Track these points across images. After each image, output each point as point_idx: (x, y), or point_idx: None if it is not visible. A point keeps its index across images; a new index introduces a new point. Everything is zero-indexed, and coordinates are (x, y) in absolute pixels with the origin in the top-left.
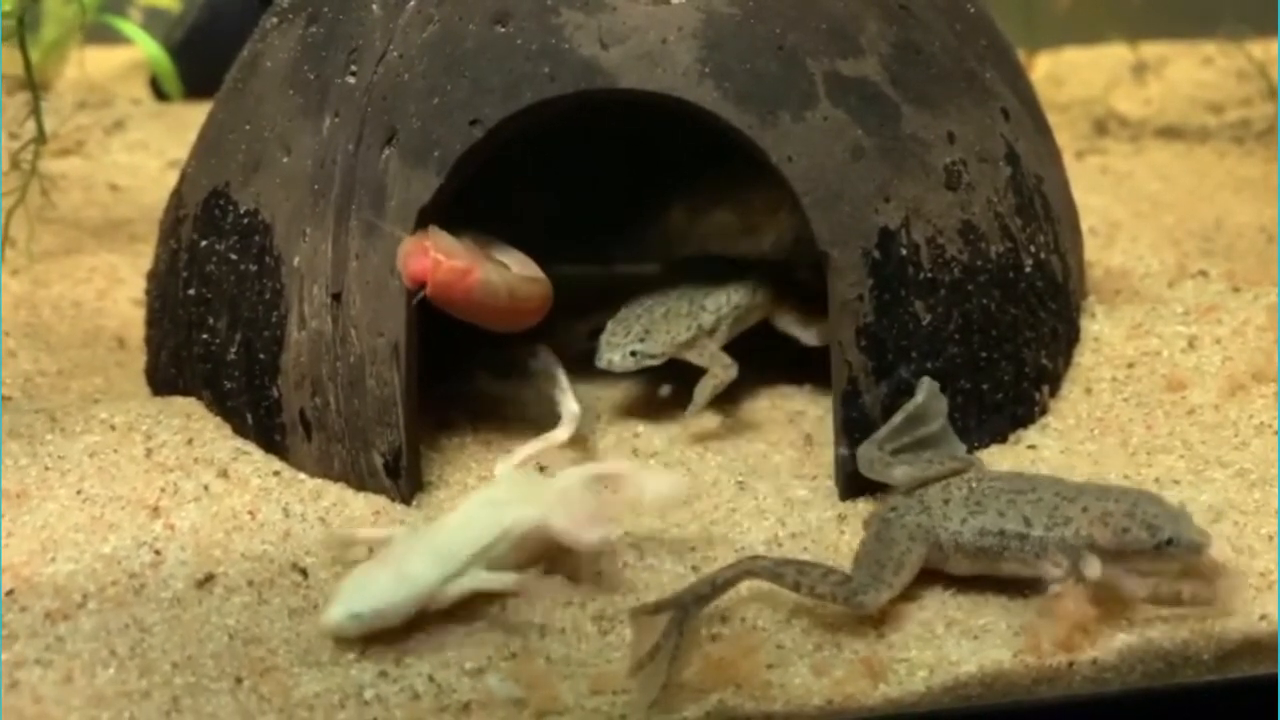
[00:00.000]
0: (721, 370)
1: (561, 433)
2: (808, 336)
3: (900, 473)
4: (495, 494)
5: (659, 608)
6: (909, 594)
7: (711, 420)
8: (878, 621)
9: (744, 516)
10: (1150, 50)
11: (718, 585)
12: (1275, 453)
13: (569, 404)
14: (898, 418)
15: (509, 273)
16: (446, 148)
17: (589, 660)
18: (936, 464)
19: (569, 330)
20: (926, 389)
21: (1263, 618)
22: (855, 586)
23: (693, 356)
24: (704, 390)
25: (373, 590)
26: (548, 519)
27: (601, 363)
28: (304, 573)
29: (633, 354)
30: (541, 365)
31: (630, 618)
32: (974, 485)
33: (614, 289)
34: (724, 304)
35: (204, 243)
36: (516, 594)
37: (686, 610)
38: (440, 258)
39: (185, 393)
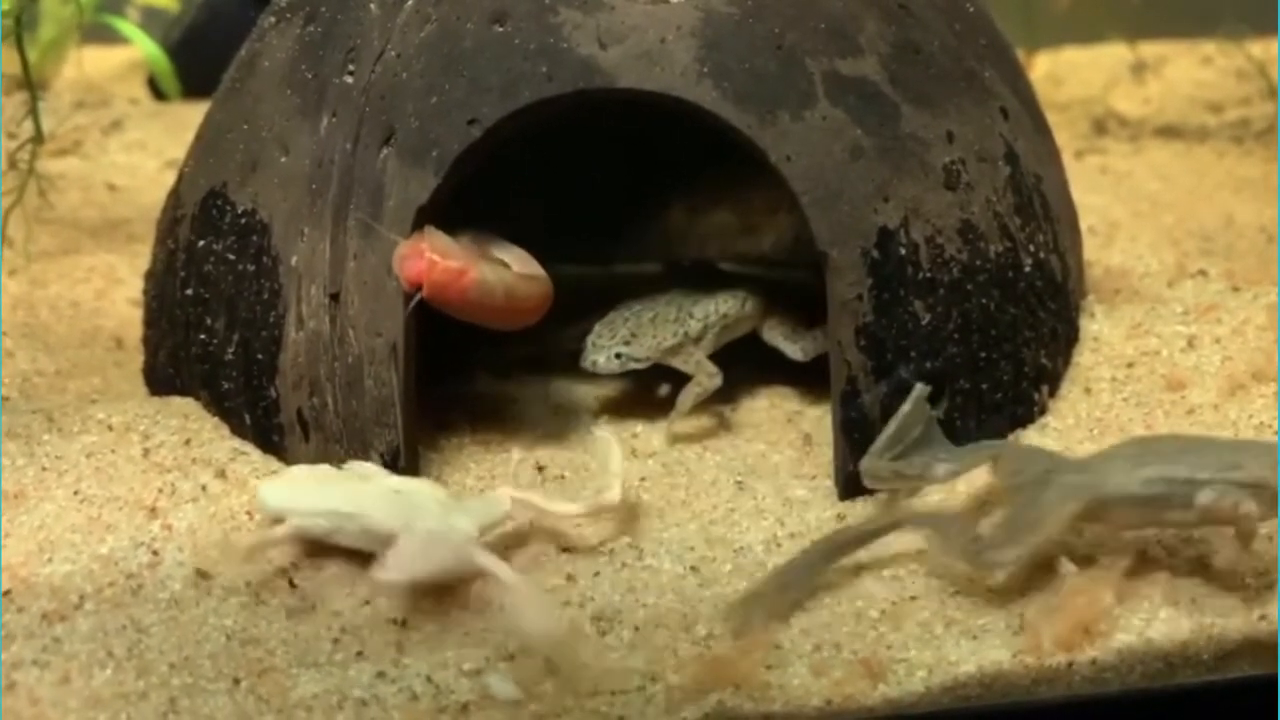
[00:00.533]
0: (706, 379)
1: (583, 509)
2: (793, 351)
3: (943, 470)
4: (419, 492)
5: (818, 551)
6: (908, 594)
7: (710, 420)
8: (875, 621)
9: (743, 516)
10: (1149, 50)
11: (861, 536)
12: None
13: (613, 491)
14: (890, 428)
15: (505, 272)
16: (444, 147)
17: (588, 660)
18: (979, 453)
19: (555, 336)
20: (913, 397)
21: (1262, 618)
22: (985, 546)
23: (678, 363)
24: (687, 397)
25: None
26: (394, 531)
27: (586, 363)
28: (291, 585)
29: (617, 356)
30: (602, 445)
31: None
32: (1138, 445)
33: (612, 289)
34: (712, 313)
35: (201, 243)
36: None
37: (825, 557)
38: (435, 258)
39: (183, 393)
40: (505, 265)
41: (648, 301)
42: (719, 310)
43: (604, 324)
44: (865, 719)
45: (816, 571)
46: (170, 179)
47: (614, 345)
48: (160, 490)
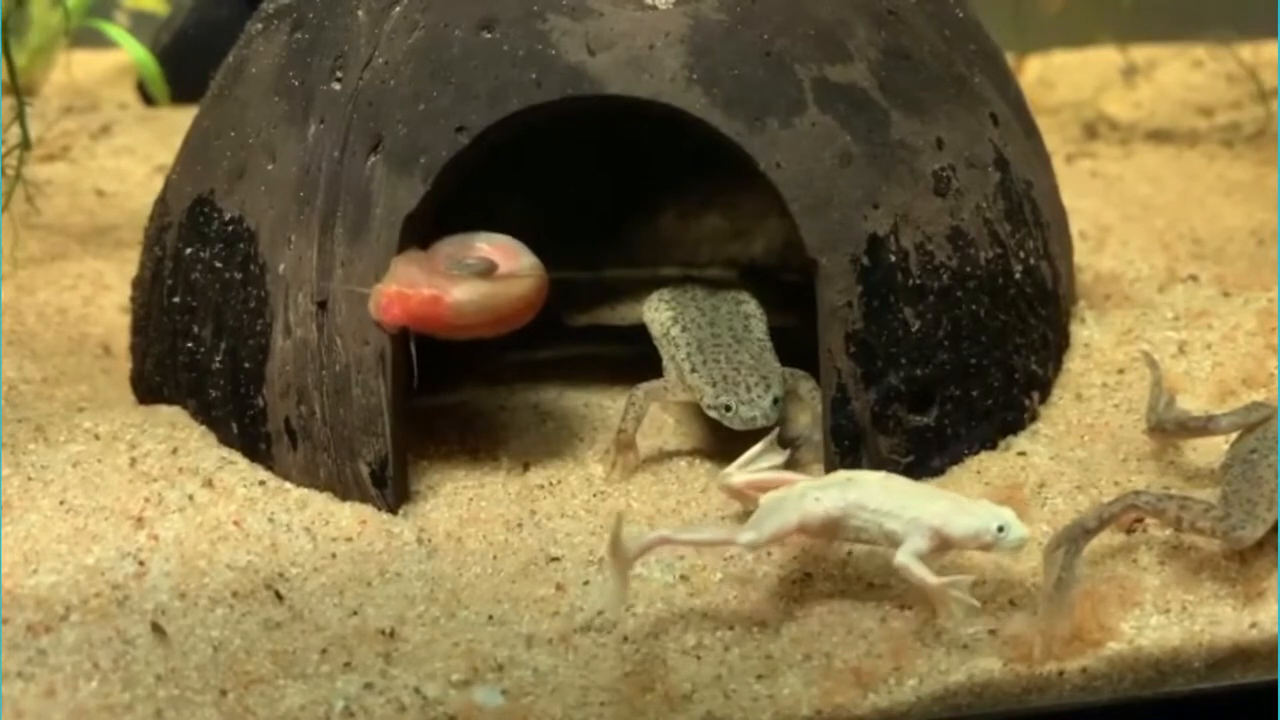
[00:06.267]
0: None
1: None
2: None
3: (1228, 421)
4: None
5: (1057, 544)
6: (899, 602)
7: (701, 428)
8: (866, 630)
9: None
10: (1140, 53)
11: (1103, 519)
12: None
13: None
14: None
15: (479, 286)
16: (432, 154)
17: (578, 671)
18: (1254, 412)
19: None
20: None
21: (1253, 625)
22: (1234, 522)
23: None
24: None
25: None
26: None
27: (760, 421)
28: (278, 596)
29: (775, 402)
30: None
31: (1044, 556)
32: None
33: (604, 295)
34: (756, 314)
35: (188, 250)
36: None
37: (1075, 543)
38: (407, 291)
39: (170, 401)
40: (491, 264)
41: (697, 343)
42: (762, 316)
43: (726, 382)
44: None
45: (1077, 562)
46: (159, 184)
47: (764, 392)
48: (147, 500)
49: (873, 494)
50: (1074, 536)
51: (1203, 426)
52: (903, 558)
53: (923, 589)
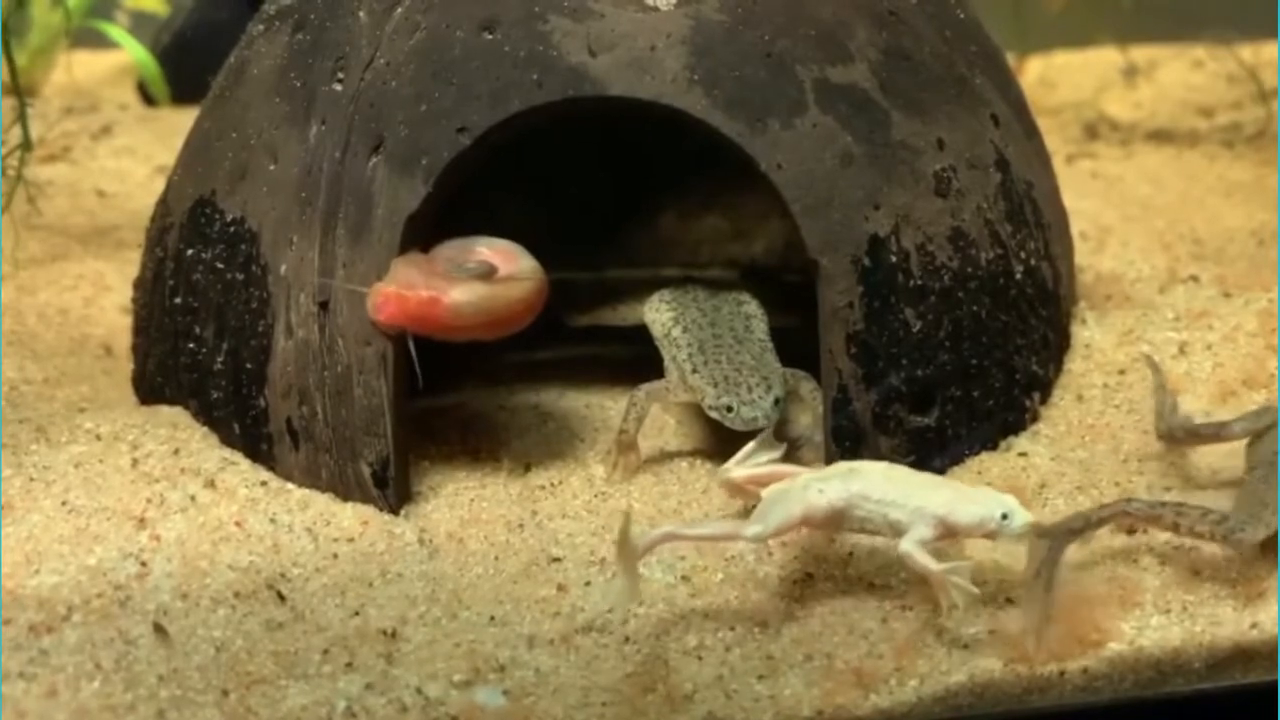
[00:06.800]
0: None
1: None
2: None
3: (1240, 427)
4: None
5: (1043, 532)
6: (900, 603)
7: (702, 429)
8: (867, 630)
9: None
10: (1140, 53)
11: (1091, 521)
12: None
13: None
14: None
15: (477, 288)
16: (434, 155)
17: (579, 671)
18: (1264, 417)
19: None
20: None
21: (1253, 626)
22: (1234, 524)
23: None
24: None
25: None
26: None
27: (760, 422)
28: (279, 596)
29: (776, 401)
30: None
31: (1028, 541)
32: None
33: (604, 296)
34: (763, 321)
35: (190, 251)
36: None
37: (1059, 540)
38: (405, 292)
39: (172, 402)
40: (491, 267)
41: (698, 345)
42: (759, 312)
43: (727, 383)
44: None
45: (1060, 563)
46: (160, 185)
47: (764, 395)
48: (149, 500)
49: (876, 484)
50: (1058, 534)
51: (1215, 434)
52: (907, 546)
53: (925, 576)
